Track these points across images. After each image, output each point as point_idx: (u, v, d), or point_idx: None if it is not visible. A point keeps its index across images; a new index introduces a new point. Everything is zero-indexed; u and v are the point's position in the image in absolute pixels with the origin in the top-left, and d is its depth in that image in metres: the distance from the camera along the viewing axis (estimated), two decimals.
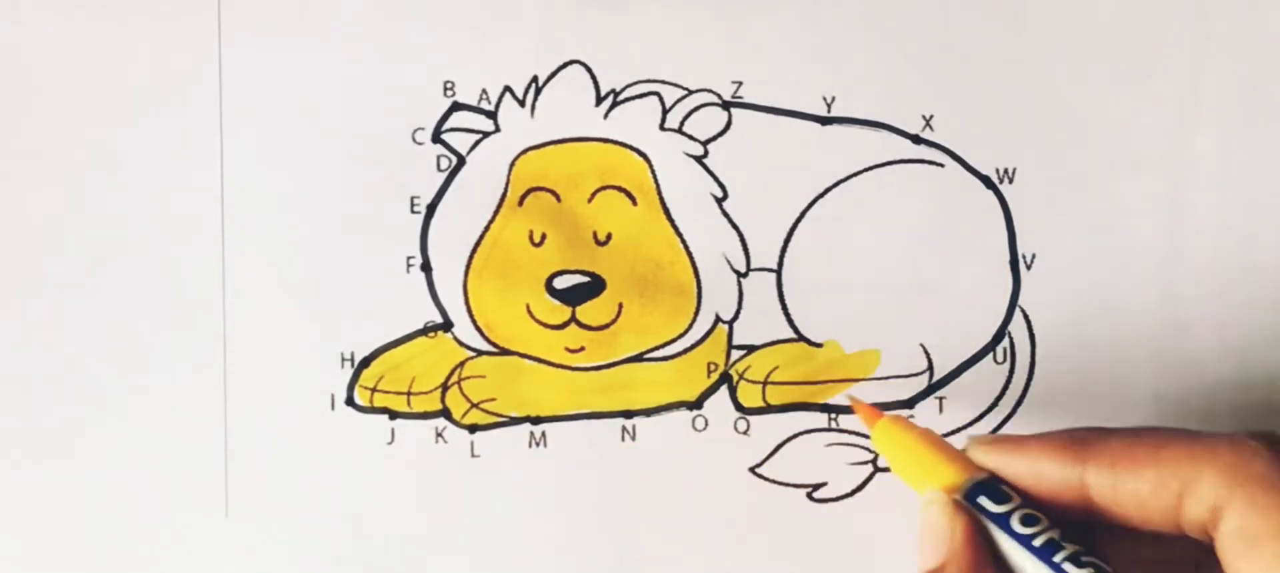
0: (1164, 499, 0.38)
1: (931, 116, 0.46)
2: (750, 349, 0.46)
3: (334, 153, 0.45)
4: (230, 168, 0.45)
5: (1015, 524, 0.39)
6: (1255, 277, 0.46)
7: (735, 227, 0.46)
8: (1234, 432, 0.38)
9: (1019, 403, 0.46)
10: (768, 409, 0.46)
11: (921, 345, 0.46)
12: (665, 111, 0.46)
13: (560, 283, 0.45)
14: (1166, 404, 0.46)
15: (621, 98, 0.46)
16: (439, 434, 0.45)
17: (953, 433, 0.46)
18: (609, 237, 0.46)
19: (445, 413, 0.45)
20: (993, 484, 0.40)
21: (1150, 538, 0.39)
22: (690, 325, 0.46)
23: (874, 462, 0.46)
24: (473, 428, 0.46)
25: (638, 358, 0.46)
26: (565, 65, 0.46)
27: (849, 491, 0.46)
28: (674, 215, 0.46)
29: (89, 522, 0.45)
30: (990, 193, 0.46)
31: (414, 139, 0.46)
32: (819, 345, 0.46)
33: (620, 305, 0.46)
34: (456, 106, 0.46)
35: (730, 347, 0.46)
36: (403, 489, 0.45)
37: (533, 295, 0.45)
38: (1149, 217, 0.46)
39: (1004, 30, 0.46)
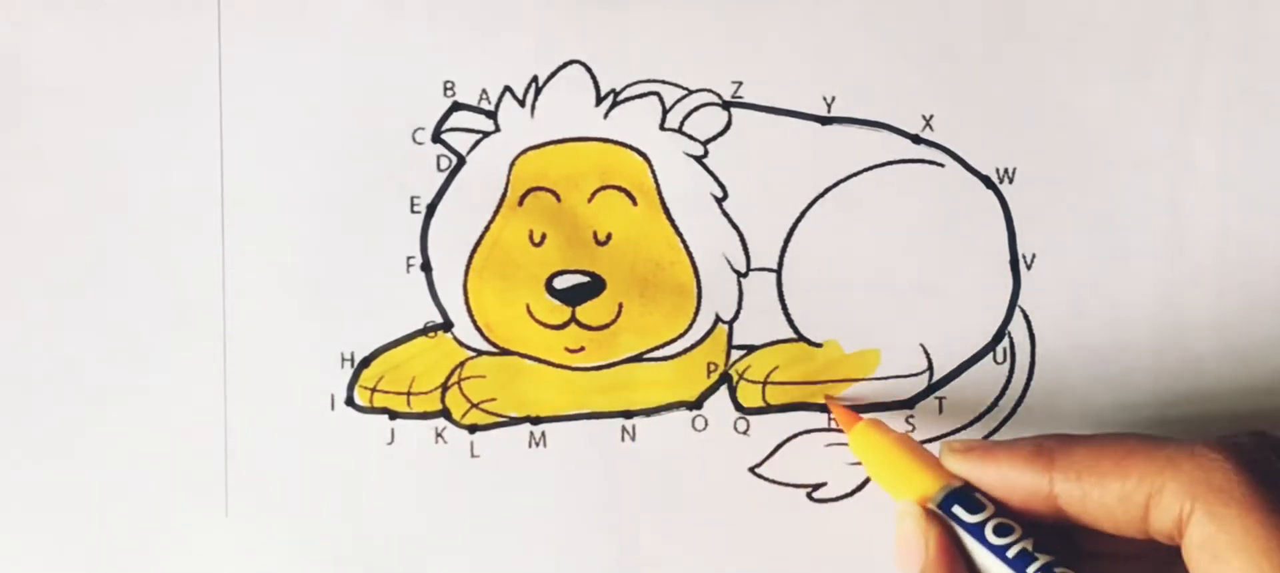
0: (1130, 510, 0.38)
1: (931, 116, 0.46)
2: (750, 349, 0.46)
3: (334, 153, 0.45)
4: (230, 168, 0.45)
5: (988, 534, 0.39)
6: (1255, 277, 0.46)
7: (735, 227, 0.46)
8: (1197, 441, 0.38)
9: (1019, 403, 0.46)
10: (767, 409, 0.46)
11: (921, 345, 0.46)
12: (665, 111, 0.46)
13: (560, 283, 0.45)
14: (1166, 404, 0.46)
15: (621, 98, 0.46)
16: (439, 434, 0.45)
17: (952, 433, 0.46)
18: (609, 237, 0.46)
19: (445, 413, 0.45)
20: (968, 492, 0.40)
21: (1126, 542, 0.39)
22: (690, 325, 0.46)
23: None
24: (473, 428, 0.46)
25: (638, 358, 0.46)
26: (565, 65, 0.46)
27: (849, 491, 0.46)
28: (674, 215, 0.46)
29: (89, 522, 0.45)
30: (990, 193, 0.46)
31: (414, 139, 0.45)
32: (819, 345, 0.46)
33: (620, 305, 0.46)
34: (456, 106, 0.46)
35: (730, 347, 0.46)
36: (403, 489, 0.45)
37: (533, 295, 0.45)
38: (1149, 217, 0.46)
39: (1004, 30, 0.46)
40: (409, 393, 0.45)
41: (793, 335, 0.46)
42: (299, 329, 0.45)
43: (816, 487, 0.46)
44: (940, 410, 0.46)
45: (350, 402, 0.45)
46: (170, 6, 0.45)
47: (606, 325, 0.46)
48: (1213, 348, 0.46)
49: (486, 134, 0.46)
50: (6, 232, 0.45)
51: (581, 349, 0.46)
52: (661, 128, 0.46)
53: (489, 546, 0.45)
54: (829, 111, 0.46)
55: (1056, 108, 0.46)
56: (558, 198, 0.46)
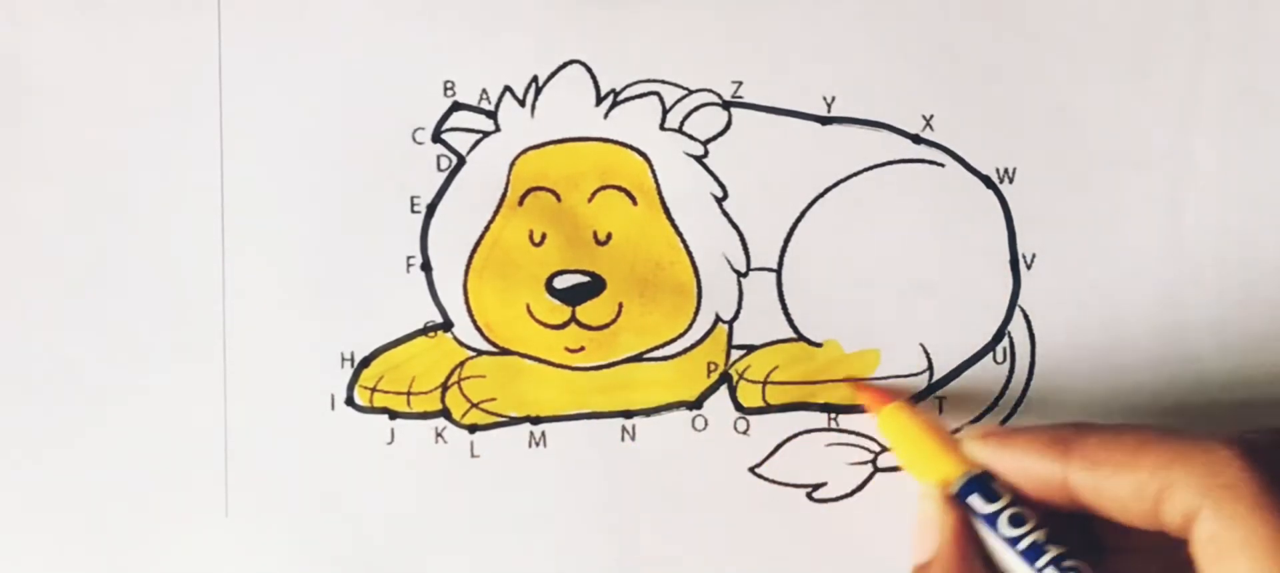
0: (1143, 502, 0.38)
1: (931, 116, 0.46)
2: (750, 349, 0.46)
3: (334, 153, 0.45)
4: (230, 168, 0.45)
5: (1002, 525, 0.40)
6: (1255, 277, 0.46)
7: (735, 227, 0.46)
8: (1209, 436, 0.38)
9: (1019, 403, 0.46)
10: (768, 409, 0.46)
11: (921, 345, 0.46)
12: (665, 111, 0.46)
13: (560, 283, 0.45)
14: (1166, 404, 0.46)
15: (621, 98, 0.46)
16: (439, 434, 0.45)
17: (952, 433, 0.46)
18: (609, 236, 0.46)
19: (445, 413, 0.45)
20: (986, 480, 0.40)
21: (1145, 531, 0.39)
22: (690, 325, 0.46)
23: (874, 462, 0.46)
24: (473, 428, 0.46)
25: (638, 358, 0.46)
26: (565, 65, 0.46)
27: (849, 491, 0.46)
28: (674, 215, 0.46)
29: (89, 522, 0.45)
30: (990, 193, 0.46)
31: (414, 139, 0.46)
32: (819, 345, 0.46)
33: (620, 305, 0.46)
34: (456, 106, 0.46)
35: (730, 346, 0.46)
36: (403, 489, 0.45)
37: (533, 295, 0.45)
38: (1149, 217, 0.46)
39: (1004, 30, 0.46)
40: (409, 393, 0.45)
41: (793, 335, 0.46)
42: (299, 329, 0.45)
43: (816, 487, 0.46)
44: (940, 411, 0.46)
45: (350, 402, 0.45)
46: (170, 6, 0.45)
47: (606, 325, 0.46)
48: (1213, 348, 0.46)
49: (486, 134, 0.46)
50: (6, 232, 0.45)
51: (581, 349, 0.46)
52: (661, 128, 0.46)
53: (489, 546, 0.45)
54: (829, 111, 0.46)
55: (1056, 108, 0.46)
56: (558, 198, 0.46)
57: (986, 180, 0.46)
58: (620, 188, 0.46)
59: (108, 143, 0.45)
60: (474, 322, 0.45)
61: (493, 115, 0.46)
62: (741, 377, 0.46)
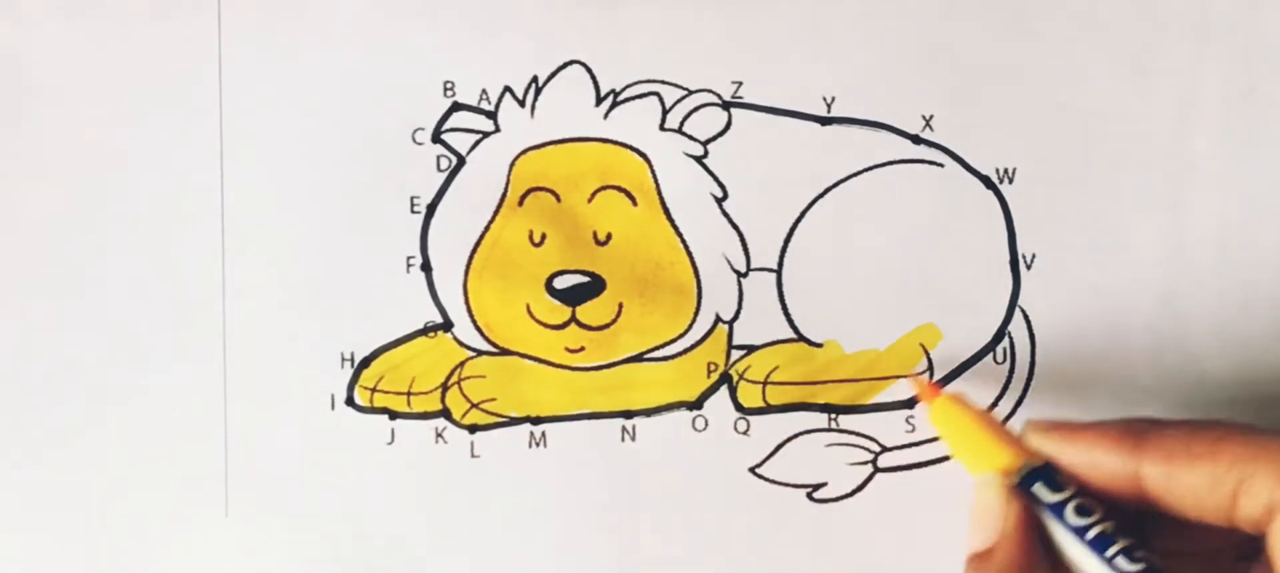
0: (1219, 495, 0.38)
1: (931, 117, 0.46)
2: (750, 349, 0.46)
3: (334, 153, 0.45)
4: (230, 168, 0.45)
5: (1069, 515, 0.39)
6: (1255, 277, 0.46)
7: (735, 227, 0.46)
8: None
9: (1019, 403, 0.46)
10: (768, 409, 0.46)
11: (921, 345, 0.46)
12: (665, 111, 0.46)
13: (560, 283, 0.45)
14: (1166, 404, 0.46)
15: (621, 98, 0.46)
16: (439, 434, 0.45)
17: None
18: (609, 237, 0.46)
19: (445, 413, 0.45)
20: (1048, 471, 0.40)
21: (1202, 528, 0.39)
22: (690, 325, 0.46)
23: (874, 462, 0.46)
24: (473, 428, 0.46)
25: (638, 358, 0.46)
26: (565, 65, 0.46)
27: (849, 491, 0.46)
28: (674, 215, 0.46)
29: (89, 522, 0.45)
30: (990, 193, 0.46)
31: (414, 139, 0.46)
32: (819, 345, 0.46)
33: (620, 305, 0.46)
34: (456, 106, 0.46)
35: (730, 347, 0.46)
36: (403, 489, 0.45)
37: (533, 295, 0.45)
38: (1149, 217, 0.46)
39: (1004, 30, 0.46)
40: (409, 393, 0.45)
41: (793, 335, 0.46)
42: (299, 329, 0.45)
43: (816, 487, 0.46)
44: None
45: (350, 402, 0.45)
46: (170, 6, 0.45)
47: (606, 325, 0.46)
48: (1213, 348, 0.46)
49: (486, 134, 0.46)
50: (6, 232, 0.45)
51: (581, 349, 0.46)
52: (661, 128, 0.46)
53: (489, 546, 0.45)
54: (829, 111, 0.46)
55: (1056, 108, 0.46)
56: (558, 198, 0.46)
57: (986, 180, 0.46)
58: (620, 188, 0.46)
59: (108, 143, 0.45)
60: (474, 322, 0.45)
61: (493, 115, 0.46)
62: (742, 377, 0.46)
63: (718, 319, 0.46)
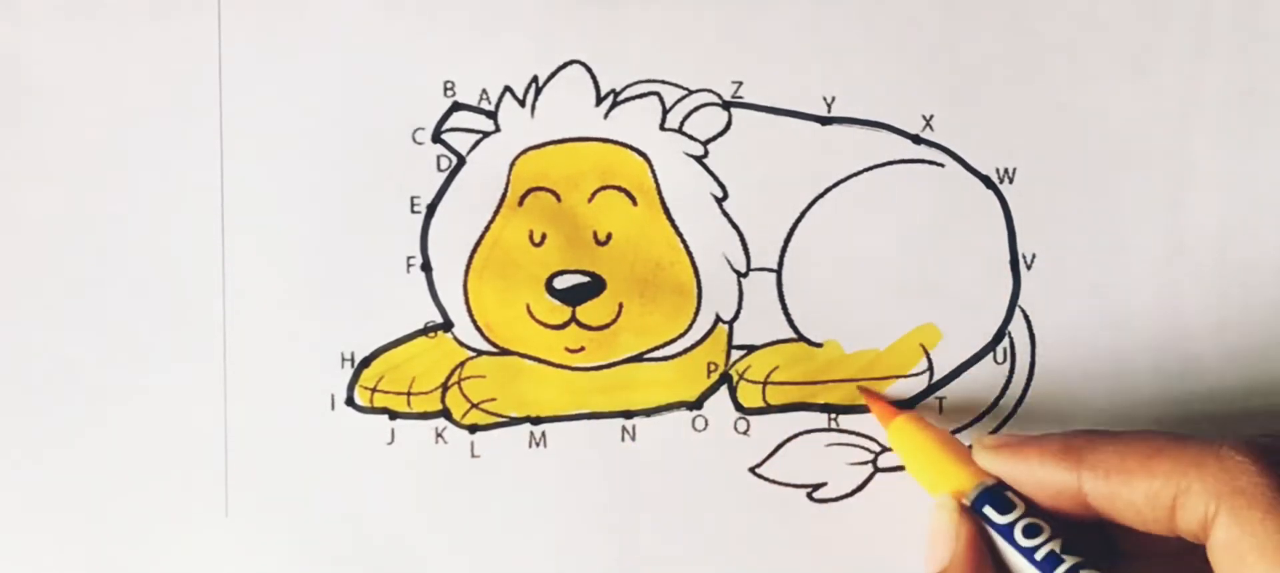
0: (1157, 510, 0.38)
1: (931, 116, 0.46)
2: (750, 349, 0.46)
3: (334, 153, 0.45)
4: (230, 168, 0.45)
5: (1017, 536, 0.40)
6: (1255, 277, 0.46)
7: (735, 227, 0.46)
8: (1223, 441, 0.38)
9: (1019, 403, 0.46)
10: (768, 409, 0.46)
11: (921, 345, 0.46)
12: (665, 111, 0.46)
13: (560, 283, 0.45)
14: (1166, 404, 0.46)
15: (621, 98, 0.46)
16: (439, 434, 0.45)
17: (953, 433, 0.46)
18: (609, 237, 0.46)
19: (445, 413, 0.45)
20: (1000, 491, 0.41)
21: (1161, 537, 0.39)
22: (690, 325, 0.46)
23: (874, 462, 0.46)
24: (473, 428, 0.46)
25: (638, 358, 0.46)
26: (565, 65, 0.46)
27: (849, 491, 0.46)
28: (674, 215, 0.46)
29: (89, 522, 0.45)
30: (990, 193, 0.46)
31: (414, 139, 0.45)
32: (819, 345, 0.46)
33: (620, 305, 0.46)
34: (456, 106, 0.46)
35: (730, 347, 0.46)
36: (403, 489, 0.45)
37: (533, 295, 0.45)
38: (1149, 217, 0.46)
39: (1004, 30, 0.46)
40: (409, 393, 0.45)
41: (793, 335, 0.46)
42: (299, 329, 0.45)
43: (816, 487, 0.46)
44: (940, 411, 0.46)
45: (350, 402, 0.45)
46: (170, 6, 0.45)
47: (607, 325, 0.46)
48: (1213, 348, 0.46)
49: (486, 134, 0.46)
50: (6, 232, 0.45)
51: (582, 349, 0.46)
52: (661, 128, 0.46)
53: (489, 546, 0.45)
54: (829, 111, 0.46)
55: (1056, 108, 0.46)
56: (558, 198, 0.46)
57: (986, 180, 0.46)
58: (620, 188, 0.46)
59: (108, 143, 0.45)
60: (474, 322, 0.45)
61: (493, 115, 0.46)
62: (742, 377, 0.46)
63: (718, 319, 0.46)
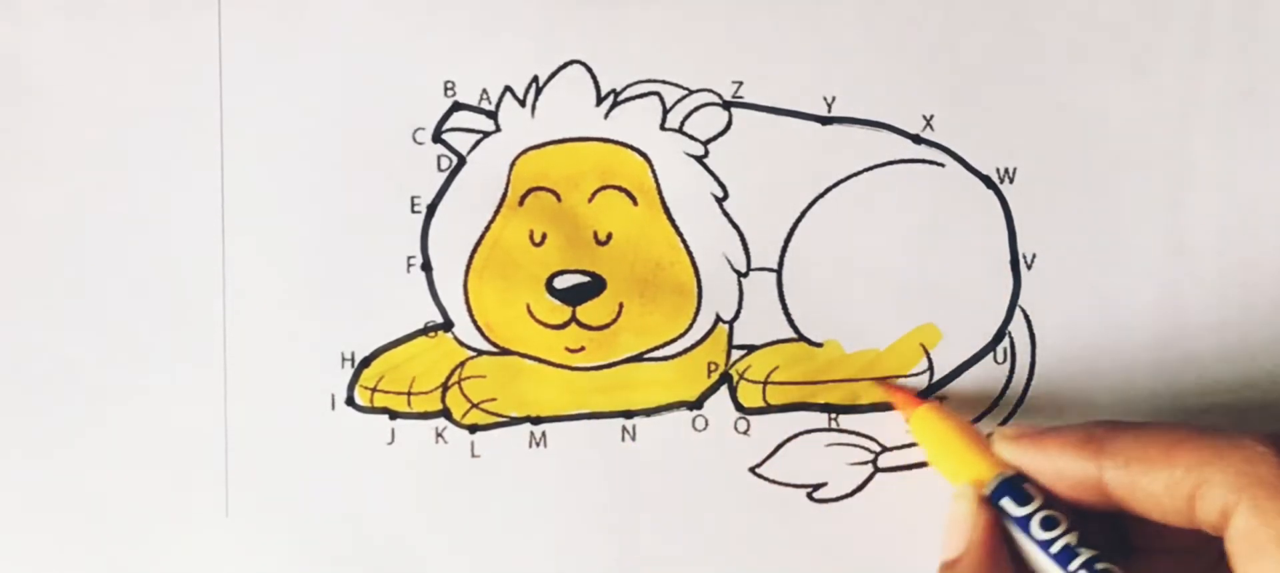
0: (1177, 500, 0.38)
1: (931, 116, 0.46)
2: (750, 349, 0.46)
3: (334, 153, 0.45)
4: (230, 168, 0.45)
5: (1034, 528, 0.40)
6: (1255, 277, 0.46)
7: (735, 227, 0.46)
8: (1244, 434, 0.38)
9: (1019, 403, 0.46)
10: (768, 409, 0.46)
11: (921, 345, 0.46)
12: (665, 111, 0.46)
13: (560, 283, 0.45)
14: (1166, 404, 0.46)
15: (622, 98, 0.46)
16: (439, 434, 0.45)
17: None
18: (609, 236, 0.46)
19: (445, 413, 0.45)
20: (1018, 482, 0.41)
21: (1180, 530, 0.39)
22: (690, 325, 0.46)
23: (874, 462, 0.46)
24: (473, 428, 0.46)
25: (638, 358, 0.46)
26: (565, 65, 0.46)
27: (849, 491, 0.46)
28: (674, 215, 0.46)
29: (89, 522, 0.45)
30: (990, 193, 0.46)
31: (414, 139, 0.46)
32: (819, 345, 0.46)
33: (620, 305, 0.46)
34: (457, 106, 0.46)
35: (730, 347, 0.46)
36: (403, 489, 0.45)
37: (533, 295, 0.45)
38: (1149, 217, 0.46)
39: (1004, 30, 0.46)
40: (409, 393, 0.45)
41: (793, 335, 0.46)
42: (299, 329, 0.45)
43: (816, 487, 0.46)
44: None
45: (350, 402, 0.45)
46: (170, 6, 0.45)
47: (607, 325, 0.46)
48: (1213, 348, 0.46)
49: (487, 134, 0.46)
50: (6, 232, 0.45)
51: (582, 349, 0.46)
52: (662, 128, 0.46)
53: (489, 546, 0.45)
54: (829, 111, 0.46)
55: (1056, 108, 0.46)
56: (558, 198, 0.46)
57: (986, 180, 0.46)
58: (620, 188, 0.46)
59: (108, 143, 0.45)
60: (474, 322, 0.45)
61: (493, 115, 0.46)
62: (742, 377, 0.46)
63: (718, 319, 0.46)
